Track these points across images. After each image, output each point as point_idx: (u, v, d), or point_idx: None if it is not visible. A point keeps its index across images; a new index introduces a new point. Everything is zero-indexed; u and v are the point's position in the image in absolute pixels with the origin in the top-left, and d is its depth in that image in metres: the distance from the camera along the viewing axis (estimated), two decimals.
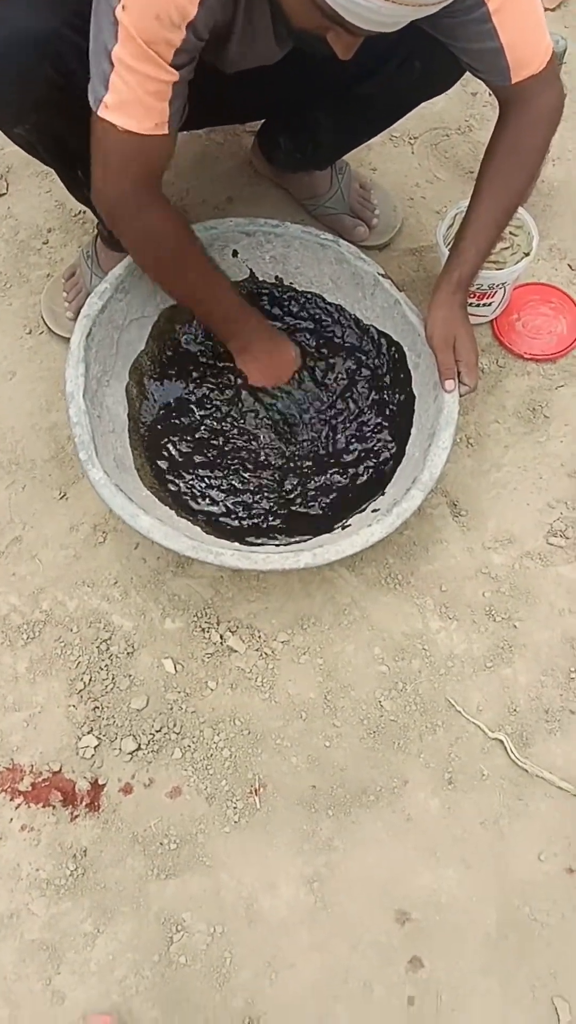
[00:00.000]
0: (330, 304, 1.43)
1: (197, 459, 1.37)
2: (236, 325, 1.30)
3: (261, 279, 1.42)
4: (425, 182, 1.72)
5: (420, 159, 1.75)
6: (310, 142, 1.49)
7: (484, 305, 1.50)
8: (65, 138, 1.18)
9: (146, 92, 0.98)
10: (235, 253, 1.39)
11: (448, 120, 1.78)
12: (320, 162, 1.56)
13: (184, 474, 1.35)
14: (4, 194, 1.71)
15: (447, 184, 1.71)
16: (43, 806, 1.17)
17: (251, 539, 1.29)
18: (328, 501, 1.34)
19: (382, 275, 1.35)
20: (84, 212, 1.64)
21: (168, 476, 1.35)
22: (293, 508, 1.34)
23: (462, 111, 1.79)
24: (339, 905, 1.13)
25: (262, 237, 1.37)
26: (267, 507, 1.33)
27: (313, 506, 1.34)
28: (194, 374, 1.42)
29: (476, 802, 1.19)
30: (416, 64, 1.25)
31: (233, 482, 1.35)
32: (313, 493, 1.35)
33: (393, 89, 1.31)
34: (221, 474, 1.36)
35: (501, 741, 1.22)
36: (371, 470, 1.36)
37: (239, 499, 1.34)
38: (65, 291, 1.55)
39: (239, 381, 1.38)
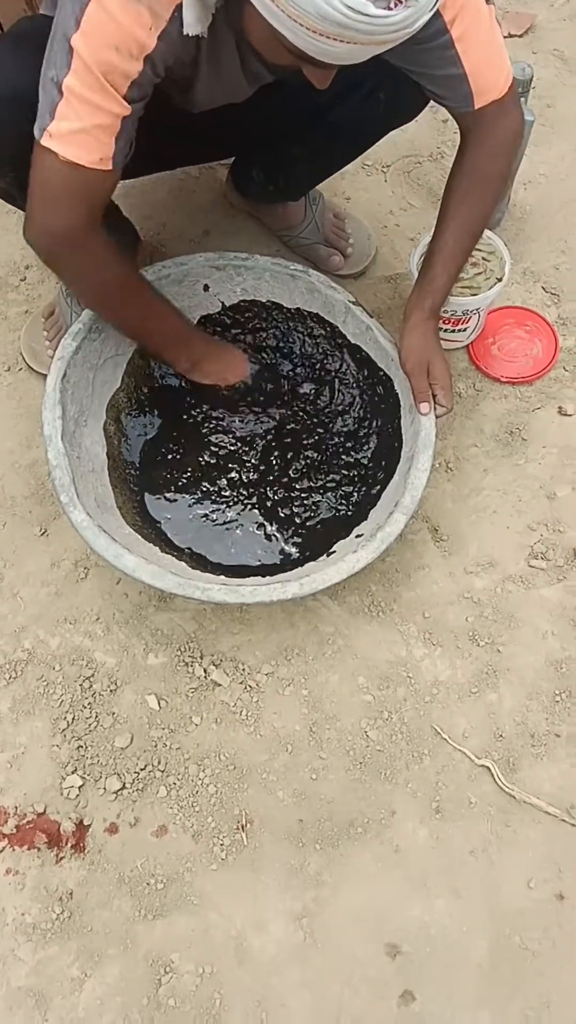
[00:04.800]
0: (290, 310, 1.44)
1: (179, 493, 1.37)
2: (183, 346, 1.31)
3: (229, 306, 1.44)
4: (399, 210, 1.74)
5: (393, 187, 1.76)
6: (282, 174, 1.51)
7: (459, 331, 1.51)
8: None
9: (94, 124, 0.96)
10: (206, 287, 1.40)
11: (420, 147, 1.80)
12: (293, 193, 1.58)
13: (166, 509, 1.36)
14: None
15: (420, 211, 1.72)
16: (28, 848, 1.16)
17: (236, 571, 1.29)
18: (311, 529, 1.35)
19: (353, 302, 1.36)
20: None
21: (150, 512, 1.36)
22: (278, 540, 1.34)
23: (433, 138, 1.81)
24: (329, 941, 1.12)
25: (232, 270, 1.38)
26: (250, 540, 1.34)
27: (298, 535, 1.35)
28: (172, 408, 1.43)
29: (465, 831, 1.18)
30: (380, 95, 1.27)
31: (215, 514, 1.36)
32: (298, 523, 1.36)
33: (359, 119, 1.32)
34: (203, 506, 1.36)
35: (488, 768, 1.22)
36: (354, 494, 1.37)
37: (222, 531, 1.35)
38: (45, 330, 1.55)
39: (206, 407, 1.41)
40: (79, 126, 0.96)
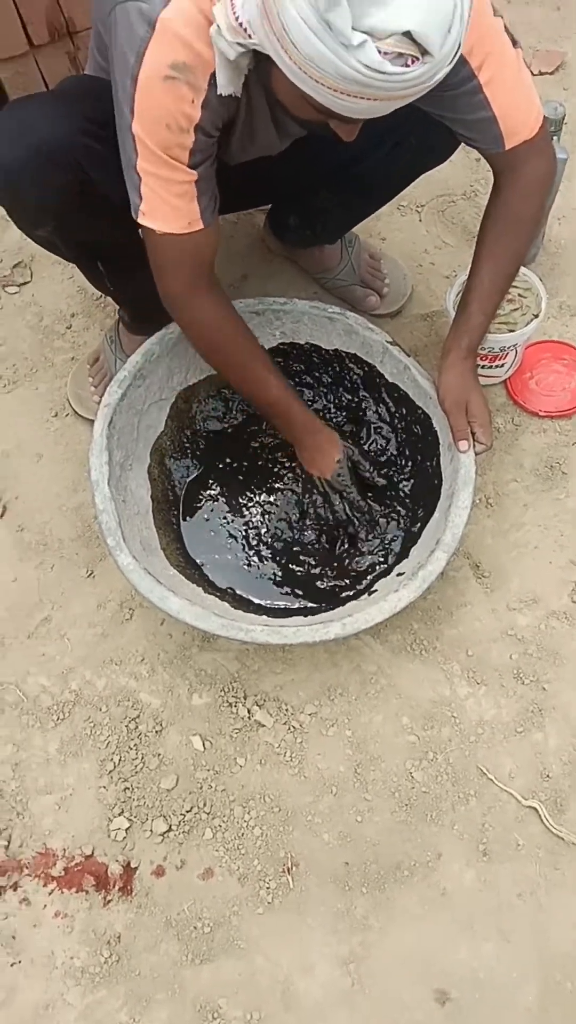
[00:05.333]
0: (328, 352, 1.46)
1: (221, 534, 1.39)
2: (282, 421, 1.32)
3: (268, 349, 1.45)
4: (434, 248, 1.75)
5: (428, 226, 1.78)
6: (318, 220, 1.53)
7: (497, 366, 1.51)
8: (84, 237, 1.24)
9: (172, 195, 1.05)
10: None
11: (453, 186, 1.82)
12: (329, 237, 1.61)
13: (208, 550, 1.38)
14: (28, 282, 1.77)
15: (455, 249, 1.74)
16: (76, 891, 1.18)
17: (278, 611, 1.31)
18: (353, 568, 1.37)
19: (390, 343, 1.38)
20: (105, 297, 1.69)
21: (192, 553, 1.38)
22: (317, 582, 1.36)
23: (467, 177, 1.83)
24: (376, 986, 1.11)
25: (271, 315, 1.41)
26: (291, 580, 1.35)
27: (337, 579, 1.36)
28: (213, 450, 1.46)
29: (512, 873, 1.17)
30: (412, 141, 1.29)
31: (257, 555, 1.37)
32: (336, 565, 1.37)
33: (391, 166, 1.35)
34: (245, 547, 1.38)
35: (535, 809, 1.20)
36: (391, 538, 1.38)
37: (264, 571, 1.36)
38: (91, 376, 1.60)
39: (300, 473, 1.40)
40: (160, 201, 1.05)
